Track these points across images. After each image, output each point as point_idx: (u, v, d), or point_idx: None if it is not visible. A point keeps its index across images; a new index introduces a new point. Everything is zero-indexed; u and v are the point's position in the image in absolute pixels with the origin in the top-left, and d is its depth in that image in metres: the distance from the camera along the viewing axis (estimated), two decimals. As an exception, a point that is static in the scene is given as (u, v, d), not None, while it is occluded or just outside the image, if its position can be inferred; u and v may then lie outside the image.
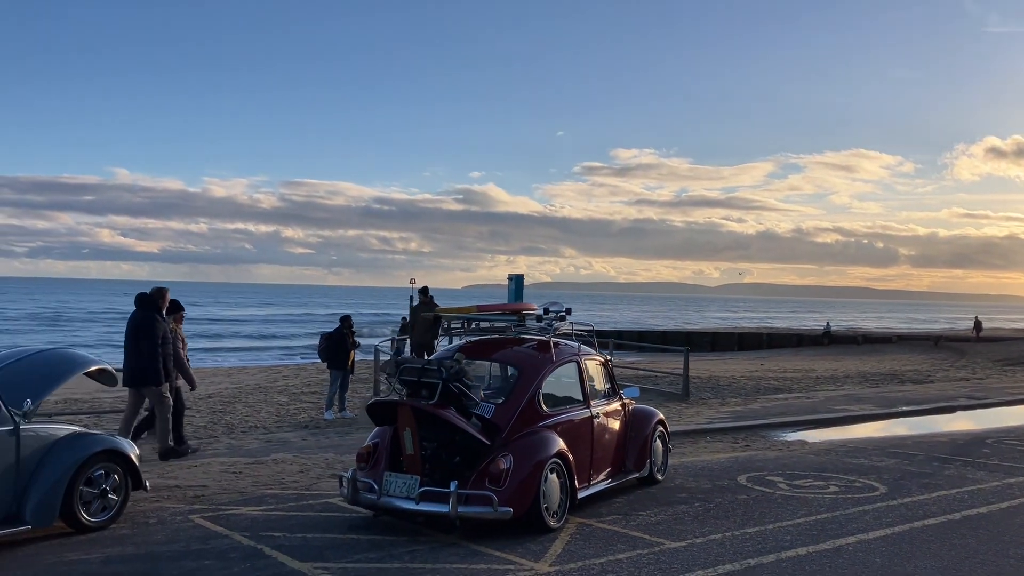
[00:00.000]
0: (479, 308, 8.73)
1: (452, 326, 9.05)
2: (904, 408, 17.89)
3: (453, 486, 7.20)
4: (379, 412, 7.79)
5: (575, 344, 9.01)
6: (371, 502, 7.55)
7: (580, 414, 8.54)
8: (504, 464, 7.40)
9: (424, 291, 18.66)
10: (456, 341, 9.07)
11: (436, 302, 18.56)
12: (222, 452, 12.03)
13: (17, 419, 7.10)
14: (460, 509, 7.17)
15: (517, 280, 17.59)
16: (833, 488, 9.83)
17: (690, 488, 9.72)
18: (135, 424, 11.39)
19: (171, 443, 11.22)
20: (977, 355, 44.08)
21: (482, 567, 6.64)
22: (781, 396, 20.70)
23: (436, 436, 7.61)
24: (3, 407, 7.00)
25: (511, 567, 6.64)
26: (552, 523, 7.63)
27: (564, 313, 8.84)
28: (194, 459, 11.23)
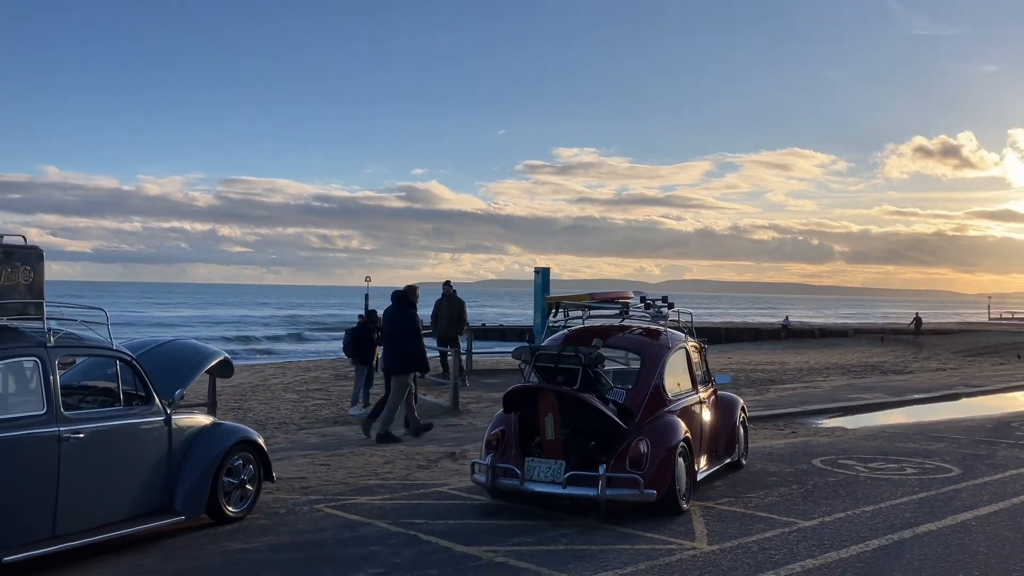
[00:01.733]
0: (592, 296, 8.90)
1: (570, 314, 9.22)
2: (915, 396, 18.49)
3: (602, 469, 7.36)
4: (515, 399, 7.90)
5: (677, 332, 9.23)
6: (512, 487, 7.67)
7: (692, 399, 8.76)
8: (643, 448, 7.57)
9: (447, 284, 18.75)
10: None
11: (459, 296, 18.64)
12: (285, 446, 11.98)
13: (168, 410, 7.07)
14: (608, 492, 7.33)
15: (544, 273, 17.75)
16: (910, 470, 10.19)
17: (775, 472, 10.00)
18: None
19: (391, 430, 12.04)
20: (934, 347, 45.52)
21: (645, 547, 6.82)
22: (789, 386, 21.20)
23: (573, 421, 7.75)
24: (157, 398, 6.96)
25: (673, 547, 6.83)
26: (684, 505, 7.84)
27: (670, 303, 9.06)
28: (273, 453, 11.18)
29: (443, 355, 19.76)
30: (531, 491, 7.60)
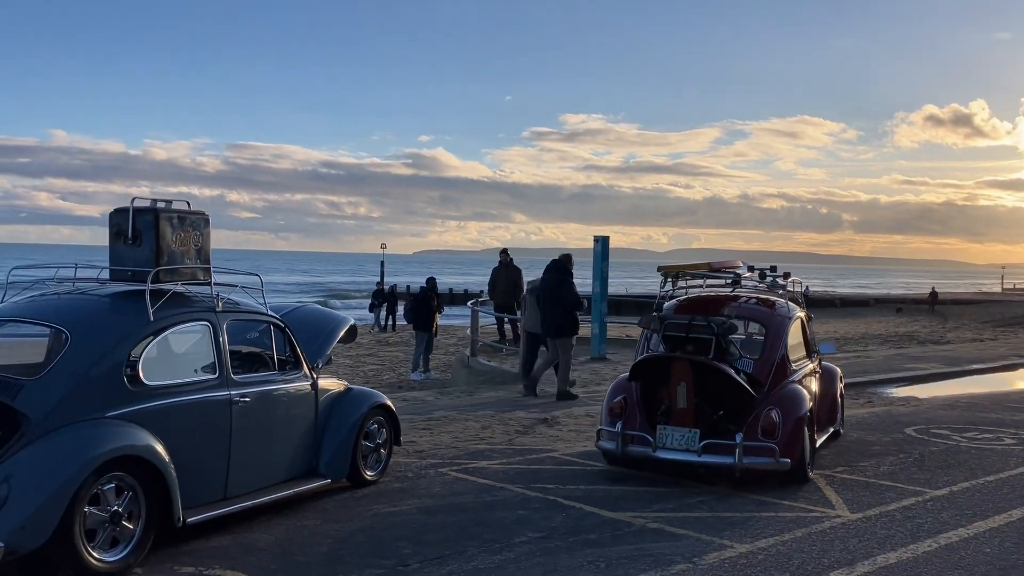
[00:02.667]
0: (709, 266, 8.89)
1: (690, 282, 9.24)
2: (974, 366, 18.52)
3: (739, 438, 7.41)
4: (645, 368, 7.93)
5: (790, 302, 9.23)
6: (643, 455, 7.72)
7: (807, 369, 8.80)
8: (775, 417, 7.61)
9: (504, 252, 18.77)
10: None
11: (516, 264, 18.66)
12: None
13: (315, 375, 7.12)
14: (745, 461, 7.39)
15: (603, 242, 17.69)
16: (1009, 441, 10.23)
17: (874, 441, 10.03)
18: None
19: (568, 388, 12.70)
20: (958, 318, 45.70)
21: (789, 515, 6.88)
22: (840, 356, 21.23)
23: (702, 390, 7.78)
24: (305, 363, 7.01)
25: (817, 514, 6.89)
26: (811, 474, 7.90)
27: (785, 272, 9.06)
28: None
29: (500, 322, 19.81)
30: (663, 459, 7.66)
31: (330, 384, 7.44)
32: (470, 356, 17.55)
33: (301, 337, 7.17)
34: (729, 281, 9.24)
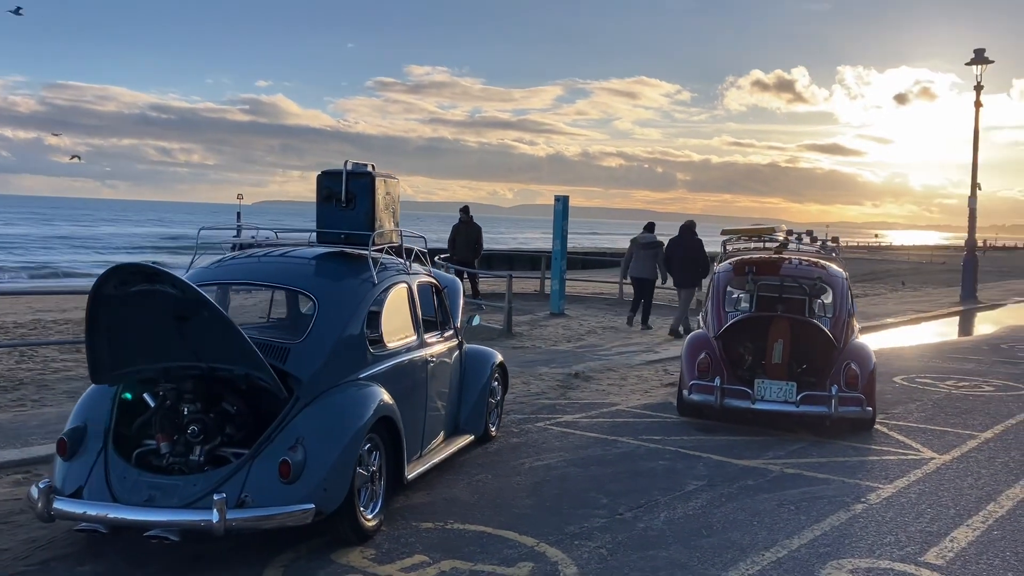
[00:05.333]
0: (772, 230, 9.51)
1: (746, 244, 9.86)
2: (888, 320, 20.20)
3: (834, 390, 8.12)
4: (739, 325, 8.50)
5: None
6: (742, 407, 8.31)
7: (857, 326, 9.61)
8: (856, 369, 8.37)
9: (465, 210, 18.87)
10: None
11: (476, 221, 18.82)
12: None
13: (461, 336, 7.28)
14: (840, 410, 8.11)
15: (564, 201, 18.14)
16: (989, 388, 11.47)
17: (880, 391, 11.02)
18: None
19: (681, 329, 15.08)
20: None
21: (893, 458, 7.65)
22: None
23: (792, 346, 8.43)
24: (454, 326, 7.16)
25: (916, 457, 7.70)
26: (877, 423, 8.74)
27: (834, 236, 9.81)
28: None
29: (459, 276, 19.96)
30: (762, 410, 8.28)
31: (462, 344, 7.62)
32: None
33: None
34: (776, 245, 9.91)
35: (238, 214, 62.66)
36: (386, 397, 5.42)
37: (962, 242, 27.90)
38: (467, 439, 7.19)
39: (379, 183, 6.02)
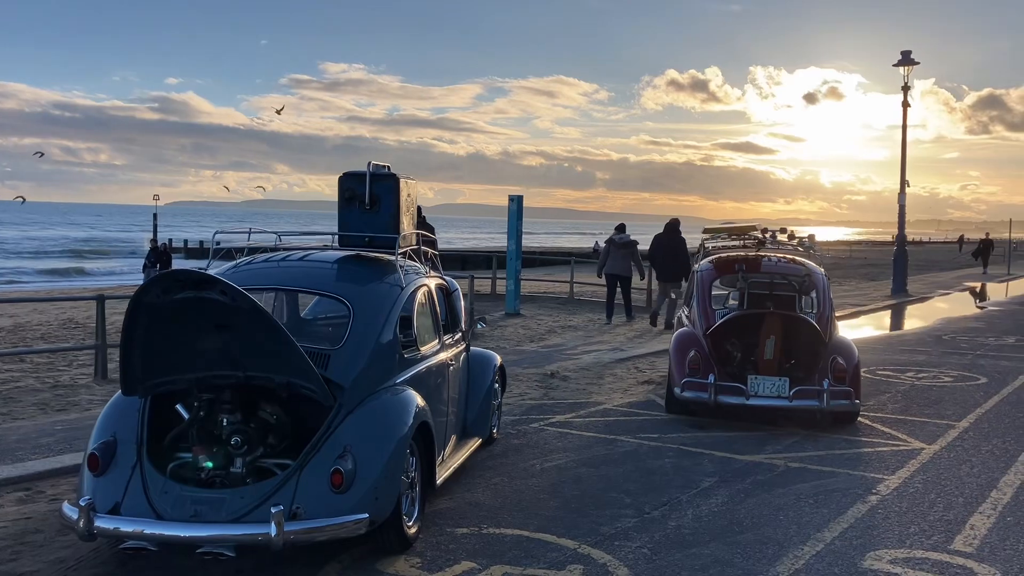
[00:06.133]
0: (755, 228, 9.67)
1: (725, 243, 10.00)
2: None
3: (826, 384, 8.30)
4: (731, 323, 8.61)
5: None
6: (736, 403, 8.42)
7: (838, 323, 9.85)
8: (843, 363, 8.57)
9: (418, 210, 18.70)
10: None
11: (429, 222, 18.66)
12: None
13: (468, 340, 7.22)
14: (831, 403, 8.29)
15: (518, 201, 18.16)
16: (947, 379, 11.88)
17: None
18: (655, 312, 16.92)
19: (672, 320, 14.65)
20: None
21: (886, 449, 7.87)
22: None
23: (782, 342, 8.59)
24: (462, 328, 7.09)
25: (908, 448, 7.93)
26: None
27: (810, 235, 10.04)
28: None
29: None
30: (755, 406, 8.41)
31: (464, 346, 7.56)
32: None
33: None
34: (755, 243, 10.09)
35: (155, 215, 60.97)
36: (421, 402, 5.34)
37: (874, 238, 28.84)
38: (476, 442, 7.13)
39: (402, 184, 5.93)
